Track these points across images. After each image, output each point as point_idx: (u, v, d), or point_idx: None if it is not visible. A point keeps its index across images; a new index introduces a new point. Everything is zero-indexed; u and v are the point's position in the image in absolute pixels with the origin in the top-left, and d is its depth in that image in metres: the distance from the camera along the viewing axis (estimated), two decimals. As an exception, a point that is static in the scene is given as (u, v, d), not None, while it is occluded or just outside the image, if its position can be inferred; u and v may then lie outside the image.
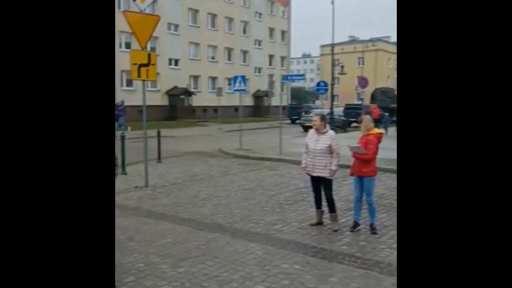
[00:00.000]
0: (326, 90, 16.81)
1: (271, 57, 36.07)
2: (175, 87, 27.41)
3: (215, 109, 26.05)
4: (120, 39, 24.39)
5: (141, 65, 7.23)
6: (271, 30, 36.07)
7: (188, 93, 28.05)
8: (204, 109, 28.98)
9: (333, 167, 4.45)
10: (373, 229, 4.40)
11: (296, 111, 25.31)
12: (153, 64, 7.34)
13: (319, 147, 4.46)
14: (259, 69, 34.93)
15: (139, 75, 7.23)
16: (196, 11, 29.32)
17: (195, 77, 29.81)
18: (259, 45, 34.97)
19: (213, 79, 30.94)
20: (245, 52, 33.79)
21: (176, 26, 27.79)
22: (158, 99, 25.95)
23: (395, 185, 5.89)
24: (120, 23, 25.61)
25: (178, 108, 27.23)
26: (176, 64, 28.09)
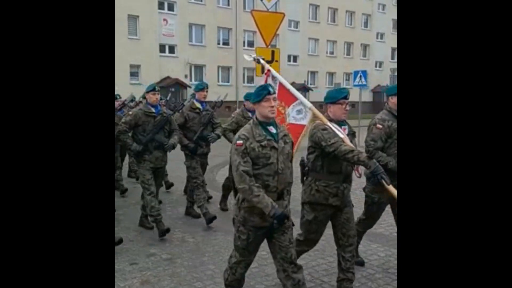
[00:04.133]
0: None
1: (394, 50, 33.99)
2: (293, 83, 27.85)
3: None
4: (243, 37, 25.78)
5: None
6: (396, 22, 33.96)
7: (305, 89, 28.22)
8: (321, 104, 28.64)
9: None
10: None
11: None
12: (276, 61, 7.56)
13: None
14: (380, 64, 33.26)
15: (263, 72, 7.53)
16: (317, 7, 29.23)
17: (313, 73, 29.80)
18: (381, 38, 33.26)
19: (331, 74, 30.52)
20: (365, 46, 32.51)
21: (297, 22, 28.13)
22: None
23: None
24: (243, 22, 26.77)
25: (295, 103, 27.65)
26: (294, 60, 28.48)
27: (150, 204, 4.16)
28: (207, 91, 4.78)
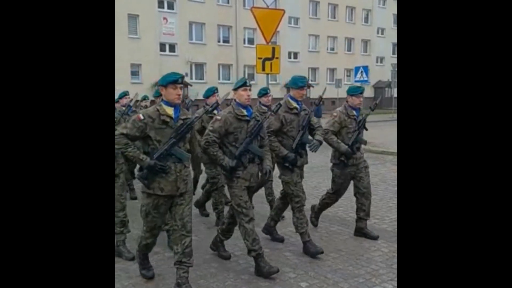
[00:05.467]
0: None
1: (395, 45, 33.85)
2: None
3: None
4: (243, 35, 25.72)
5: (265, 59, 7.51)
6: (396, 16, 33.81)
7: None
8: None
9: None
10: None
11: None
12: (277, 58, 7.55)
13: None
14: (381, 59, 33.14)
15: (263, 69, 7.52)
16: (317, 3, 29.12)
17: (314, 69, 29.73)
18: (382, 33, 33.12)
19: (332, 70, 30.44)
20: (366, 42, 32.39)
21: (297, 19, 28.03)
22: (277, 92, 26.66)
23: None
24: (243, 20, 26.67)
25: (296, 101, 27.60)
26: (295, 57, 28.41)
27: (251, 236, 3.22)
28: (306, 90, 3.82)
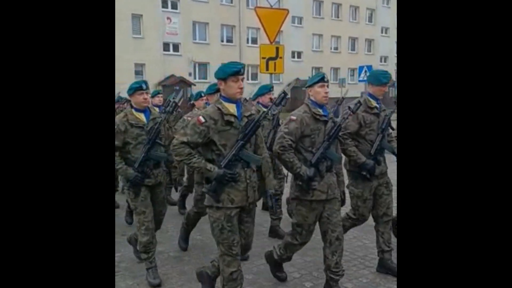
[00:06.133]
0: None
1: (398, 45, 33.75)
2: (297, 80, 27.78)
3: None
4: (247, 34, 25.74)
5: (269, 59, 7.52)
6: (400, 15, 33.71)
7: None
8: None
9: None
10: None
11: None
12: (280, 57, 7.56)
13: None
14: (385, 58, 33.07)
15: (267, 69, 7.53)
16: (320, 3, 29.10)
17: (317, 69, 29.69)
18: (386, 32, 33.04)
19: (336, 70, 30.40)
20: (370, 41, 32.32)
21: (300, 18, 28.02)
22: (280, 91, 26.64)
23: None
24: (247, 20, 26.64)
25: (298, 100, 27.61)
26: (299, 56, 28.40)
27: (287, 253, 3.03)
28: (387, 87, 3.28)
